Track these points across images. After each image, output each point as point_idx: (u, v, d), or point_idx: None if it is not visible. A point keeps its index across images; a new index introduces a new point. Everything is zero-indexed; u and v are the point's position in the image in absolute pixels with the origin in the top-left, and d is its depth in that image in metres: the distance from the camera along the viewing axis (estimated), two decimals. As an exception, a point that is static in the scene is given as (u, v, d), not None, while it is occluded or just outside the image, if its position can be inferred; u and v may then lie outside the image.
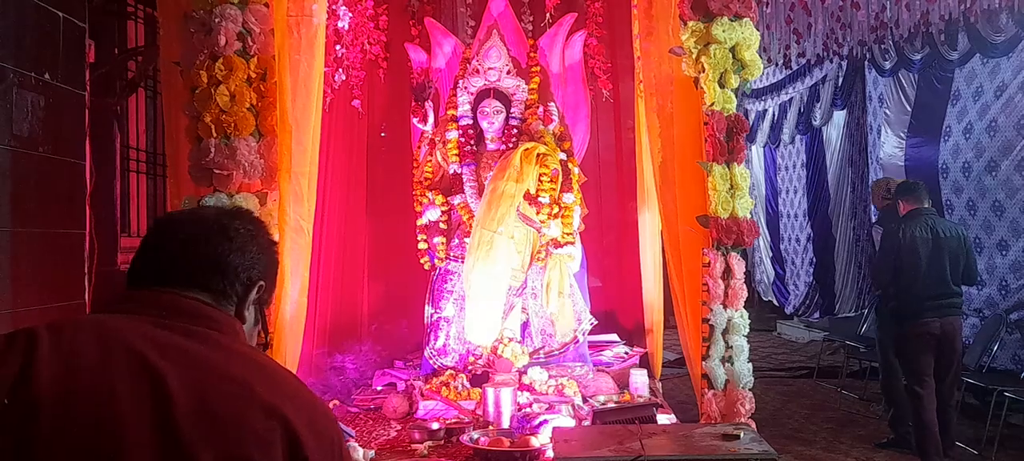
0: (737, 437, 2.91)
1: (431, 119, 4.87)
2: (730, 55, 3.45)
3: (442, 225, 4.84)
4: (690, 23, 3.48)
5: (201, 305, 1.26)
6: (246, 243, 1.34)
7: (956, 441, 5.38)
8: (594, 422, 3.75)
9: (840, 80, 9.11)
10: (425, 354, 4.72)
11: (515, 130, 4.78)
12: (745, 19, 3.47)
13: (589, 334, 4.84)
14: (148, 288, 1.28)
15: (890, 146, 8.15)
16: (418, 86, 4.86)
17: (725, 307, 3.43)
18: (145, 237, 1.37)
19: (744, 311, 3.48)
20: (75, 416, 1.08)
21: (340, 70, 4.82)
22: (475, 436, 3.56)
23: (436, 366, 4.60)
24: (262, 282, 1.36)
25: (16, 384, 1.09)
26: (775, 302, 11.60)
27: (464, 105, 4.84)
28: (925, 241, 5.02)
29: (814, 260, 10.50)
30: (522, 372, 4.40)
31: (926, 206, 5.23)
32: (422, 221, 4.87)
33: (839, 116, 9.59)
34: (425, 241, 4.89)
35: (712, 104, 3.46)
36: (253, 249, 1.35)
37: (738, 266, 3.45)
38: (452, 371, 4.44)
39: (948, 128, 7.30)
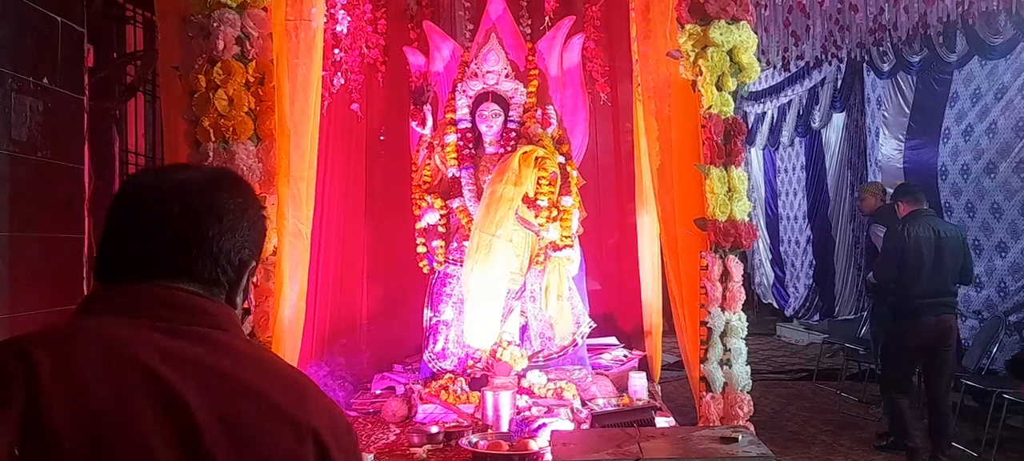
0: (735, 440, 2.92)
1: (429, 122, 4.87)
2: (727, 58, 3.46)
3: (441, 228, 4.84)
4: (687, 26, 3.48)
5: (195, 298, 1.13)
6: (237, 220, 1.18)
7: (954, 442, 5.39)
8: (593, 425, 3.75)
9: (839, 82, 9.11)
10: (424, 358, 4.71)
11: (513, 133, 4.78)
12: (742, 22, 3.47)
13: (588, 337, 4.84)
14: (133, 281, 1.12)
15: (889, 148, 8.16)
16: (416, 90, 4.86)
17: (723, 310, 3.44)
18: (115, 213, 1.17)
19: (742, 314, 3.49)
20: (97, 449, 0.97)
21: (338, 74, 4.82)
22: (474, 439, 3.56)
23: (435, 370, 4.59)
24: (253, 262, 1.22)
25: (24, 424, 0.95)
26: (775, 305, 11.60)
27: (462, 108, 4.84)
28: (929, 241, 5.14)
29: (814, 262, 10.50)
30: (521, 375, 4.40)
31: (925, 207, 5.34)
32: (421, 225, 4.87)
33: (838, 118, 9.59)
34: (424, 244, 4.89)
35: (710, 107, 3.47)
36: (244, 226, 1.19)
37: (736, 269, 3.46)
38: (451, 375, 4.44)
39: (946, 130, 7.31)
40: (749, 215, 3.52)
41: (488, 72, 4.84)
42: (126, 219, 1.16)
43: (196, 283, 1.14)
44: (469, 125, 4.84)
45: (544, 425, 3.72)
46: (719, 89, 3.47)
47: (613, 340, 5.35)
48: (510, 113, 4.81)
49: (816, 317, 10.40)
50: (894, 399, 5.35)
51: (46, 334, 1.08)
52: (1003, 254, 6.71)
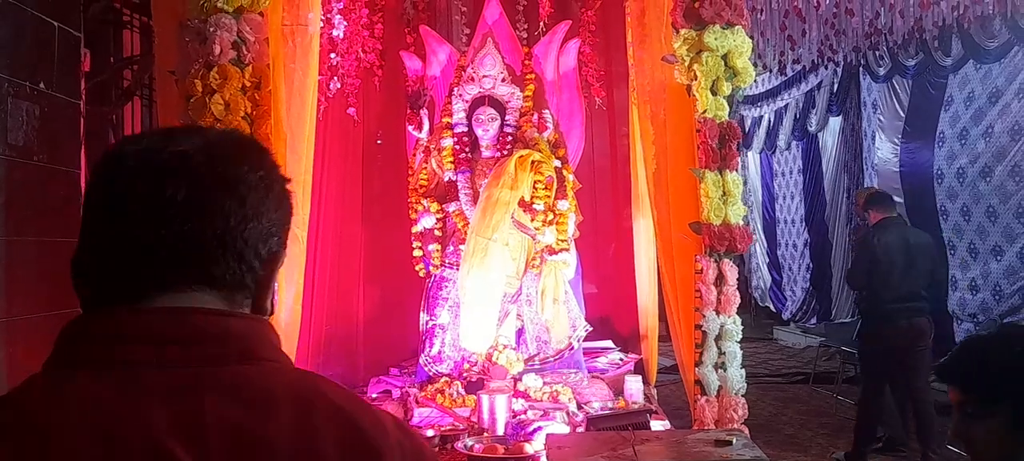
0: (730, 443, 2.93)
1: (426, 126, 4.88)
2: (722, 62, 3.48)
3: (437, 232, 4.85)
4: (682, 31, 3.50)
5: (218, 320, 0.84)
6: (262, 200, 0.87)
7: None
8: (588, 429, 3.76)
9: (835, 86, 9.14)
10: (420, 361, 4.72)
11: (510, 137, 4.79)
12: (737, 27, 3.49)
13: (584, 341, 4.84)
14: (127, 301, 0.83)
15: (885, 152, 8.18)
16: (413, 94, 4.87)
17: (718, 313, 3.45)
18: (94, 200, 0.86)
19: (737, 317, 3.50)
20: None
21: (335, 78, 4.83)
22: (470, 443, 3.57)
23: (431, 373, 4.60)
24: (283, 251, 0.93)
25: None
26: (772, 308, 11.60)
27: (459, 112, 4.86)
28: (899, 248, 5.28)
29: (811, 266, 10.50)
30: (517, 379, 4.40)
31: (895, 215, 5.50)
32: (417, 228, 4.88)
33: (835, 122, 9.61)
34: (420, 248, 4.90)
35: (704, 111, 3.48)
36: (270, 205, 0.88)
37: (731, 272, 3.47)
38: (447, 378, 4.45)
39: (941, 134, 7.33)
40: (744, 219, 3.53)
41: (484, 76, 4.85)
42: (110, 209, 0.84)
43: (214, 291, 0.85)
44: (465, 129, 4.85)
45: (540, 428, 3.73)
46: (714, 93, 3.49)
47: (609, 343, 5.37)
48: (506, 117, 4.82)
49: (813, 320, 10.41)
50: (870, 401, 5.45)
51: (9, 421, 0.78)
52: (998, 257, 6.73)
